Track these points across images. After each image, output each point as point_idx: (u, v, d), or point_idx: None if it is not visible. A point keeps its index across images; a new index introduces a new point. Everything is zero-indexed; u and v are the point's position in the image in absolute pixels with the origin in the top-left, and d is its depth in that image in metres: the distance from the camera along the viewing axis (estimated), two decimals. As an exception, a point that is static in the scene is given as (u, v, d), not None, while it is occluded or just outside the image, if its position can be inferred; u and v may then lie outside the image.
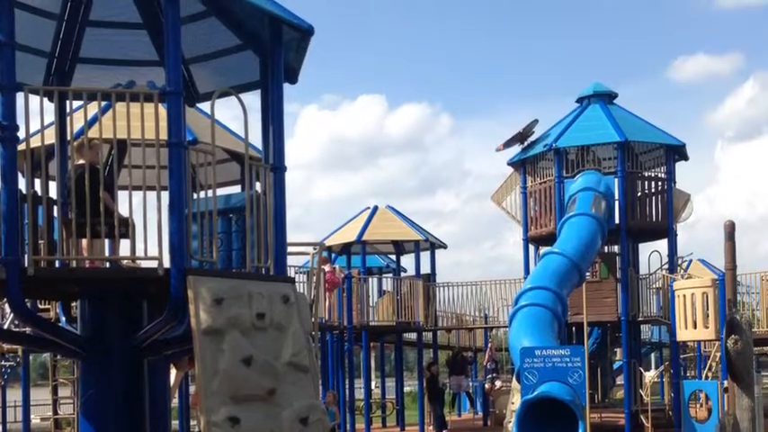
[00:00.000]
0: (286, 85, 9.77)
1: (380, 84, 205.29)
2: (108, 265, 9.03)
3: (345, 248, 32.08)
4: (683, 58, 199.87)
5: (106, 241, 8.96)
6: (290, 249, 10.21)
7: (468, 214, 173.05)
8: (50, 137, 9.50)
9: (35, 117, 8.30)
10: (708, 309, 22.60)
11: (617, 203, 26.17)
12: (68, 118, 8.81)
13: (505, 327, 25.46)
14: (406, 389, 39.25)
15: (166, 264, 8.20)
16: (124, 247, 8.78)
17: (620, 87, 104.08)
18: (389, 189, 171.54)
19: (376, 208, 32.26)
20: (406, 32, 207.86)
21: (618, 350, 33.54)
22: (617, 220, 26.06)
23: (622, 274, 26.28)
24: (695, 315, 22.98)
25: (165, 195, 8.23)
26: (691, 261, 31.87)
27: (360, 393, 33.42)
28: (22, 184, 8.60)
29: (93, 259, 8.92)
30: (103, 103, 8.51)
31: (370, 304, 30.11)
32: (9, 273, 7.89)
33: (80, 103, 8.33)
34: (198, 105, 11.70)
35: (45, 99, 8.61)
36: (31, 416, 26.18)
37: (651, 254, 27.94)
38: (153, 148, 8.52)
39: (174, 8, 8.31)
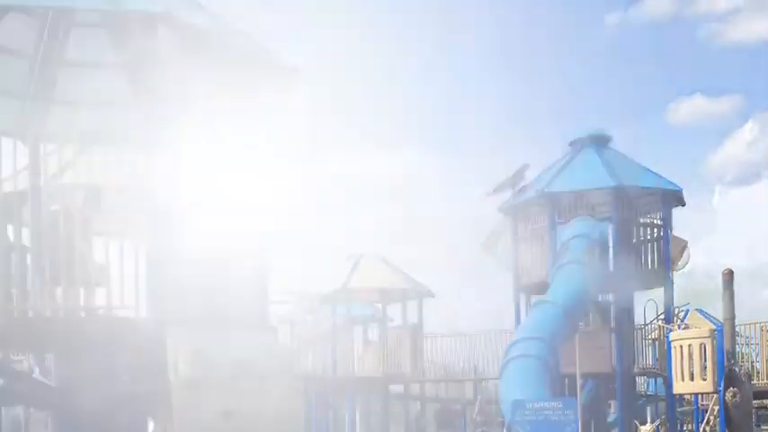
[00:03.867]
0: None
1: (366, 127, 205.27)
2: (83, 314, 8.77)
3: (330, 297, 31.69)
4: (681, 99, 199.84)
5: (81, 290, 8.69)
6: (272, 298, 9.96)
7: (457, 262, 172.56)
8: (24, 181, 9.24)
9: (8, 160, 8.08)
10: (705, 360, 22.23)
11: (611, 250, 25.90)
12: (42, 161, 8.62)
13: (496, 378, 25.10)
14: (393, 443, 38.74)
15: (143, 313, 7.91)
16: (100, 295, 8.52)
17: (614, 130, 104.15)
18: (375, 235, 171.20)
19: (361, 255, 31.90)
20: (394, 74, 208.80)
21: (612, 403, 33.18)
22: (611, 268, 25.78)
23: (617, 324, 25.98)
24: (692, 367, 22.61)
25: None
26: (688, 311, 31.60)
27: (344, 448, 32.97)
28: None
29: (68, 308, 8.61)
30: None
31: (356, 355, 29.75)
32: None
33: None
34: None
35: (18, 142, 8.39)
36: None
37: (647, 303, 27.65)
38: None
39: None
